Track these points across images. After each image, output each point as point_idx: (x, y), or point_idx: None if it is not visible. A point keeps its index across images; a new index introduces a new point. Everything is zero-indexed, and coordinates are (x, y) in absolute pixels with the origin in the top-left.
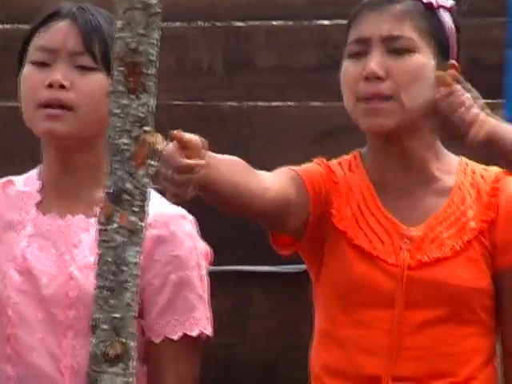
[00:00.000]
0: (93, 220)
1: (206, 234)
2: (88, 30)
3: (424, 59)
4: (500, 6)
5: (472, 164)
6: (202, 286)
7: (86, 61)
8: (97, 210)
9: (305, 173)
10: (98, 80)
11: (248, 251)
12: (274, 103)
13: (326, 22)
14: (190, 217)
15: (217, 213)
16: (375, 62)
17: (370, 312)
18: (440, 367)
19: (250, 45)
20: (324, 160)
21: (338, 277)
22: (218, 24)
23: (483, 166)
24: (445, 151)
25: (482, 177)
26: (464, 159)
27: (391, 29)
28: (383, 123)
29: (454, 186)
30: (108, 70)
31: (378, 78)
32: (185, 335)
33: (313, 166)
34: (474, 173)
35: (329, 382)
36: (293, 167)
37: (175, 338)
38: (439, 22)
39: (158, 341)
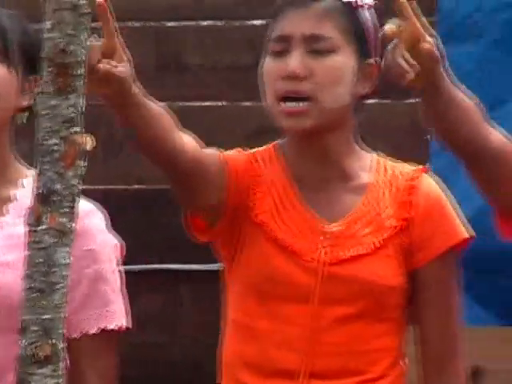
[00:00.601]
0: (3, 218)
1: (134, 232)
2: None
3: (344, 59)
4: (428, 6)
5: (387, 161)
6: (116, 280)
7: None
8: (6, 208)
9: (230, 159)
10: None
11: (177, 249)
12: (205, 103)
13: (255, 22)
14: (100, 212)
15: (148, 212)
16: (296, 61)
17: (286, 306)
18: (354, 364)
19: (180, 45)
20: (247, 150)
21: (255, 269)
22: (149, 24)
23: (400, 164)
24: (362, 151)
25: (399, 174)
26: (378, 156)
27: (313, 28)
28: (302, 124)
29: (370, 183)
30: (8, 63)
31: (298, 78)
32: (102, 329)
33: (237, 155)
34: (389, 169)
35: (243, 374)
36: (220, 151)
37: (92, 332)
38: (359, 21)
39: (76, 336)
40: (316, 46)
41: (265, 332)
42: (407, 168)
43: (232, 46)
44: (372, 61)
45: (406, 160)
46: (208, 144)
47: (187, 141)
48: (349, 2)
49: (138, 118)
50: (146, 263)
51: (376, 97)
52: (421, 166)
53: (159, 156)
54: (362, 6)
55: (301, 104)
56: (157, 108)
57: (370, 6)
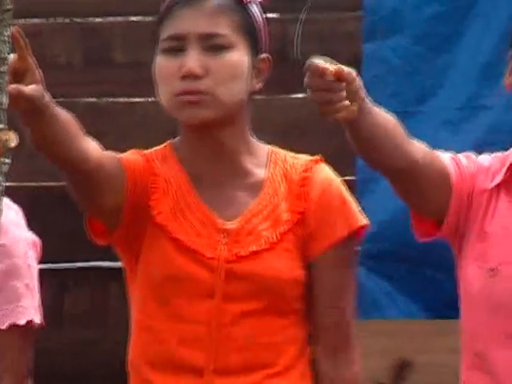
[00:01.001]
0: None
1: (62, 229)
2: None
3: (240, 55)
4: (353, 1)
5: (282, 153)
6: (29, 275)
7: None
8: None
9: (126, 161)
10: None
11: (104, 246)
12: (131, 99)
13: None
14: (15, 206)
15: (74, 210)
16: (193, 60)
17: (189, 304)
18: (260, 358)
19: (107, 41)
20: (142, 151)
21: (156, 269)
22: (76, 20)
23: (293, 155)
24: (256, 143)
25: (293, 166)
26: (273, 149)
27: (208, 26)
28: (200, 114)
29: (266, 178)
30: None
31: (196, 77)
32: (13, 324)
33: (133, 156)
34: (284, 162)
35: (151, 375)
36: (116, 153)
37: (3, 327)
38: (250, 17)
39: None
40: (211, 44)
41: (169, 331)
42: (302, 159)
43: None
44: (264, 56)
45: (332, 156)
46: (134, 139)
47: (91, 147)
48: None
49: (48, 131)
50: (75, 260)
51: (302, 91)
52: (314, 157)
53: (65, 162)
54: (251, 2)
55: (200, 96)
56: (65, 116)
57: (258, 2)
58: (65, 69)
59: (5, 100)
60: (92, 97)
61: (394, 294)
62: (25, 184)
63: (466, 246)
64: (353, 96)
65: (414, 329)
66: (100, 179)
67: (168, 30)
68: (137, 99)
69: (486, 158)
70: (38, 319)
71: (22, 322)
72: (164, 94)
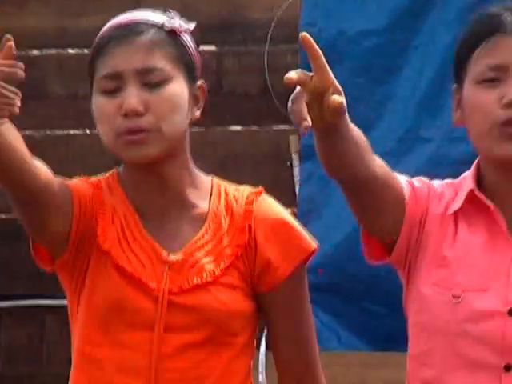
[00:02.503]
0: None
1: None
2: None
3: (178, 87)
4: (289, 34)
5: (225, 185)
6: None
7: None
8: None
9: (74, 187)
10: None
11: (41, 280)
12: (70, 131)
13: None
14: None
15: (8, 243)
16: (133, 97)
17: (130, 333)
18: None
19: (43, 73)
20: (89, 179)
21: (99, 296)
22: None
23: (235, 186)
24: (199, 175)
25: (235, 198)
26: (216, 181)
27: (143, 61)
28: (145, 152)
29: (209, 211)
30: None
31: (137, 114)
32: None
33: (81, 183)
34: (227, 194)
35: None
36: (64, 179)
37: None
38: (183, 47)
39: None
40: (149, 79)
41: (108, 359)
42: (244, 191)
43: None
44: (199, 83)
45: (271, 188)
46: (71, 172)
47: (39, 166)
48: (171, 29)
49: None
50: (12, 296)
51: (239, 124)
52: (256, 189)
53: (13, 180)
54: (183, 32)
55: (144, 134)
56: (15, 137)
57: (189, 31)
58: None
59: None
60: (29, 129)
61: (335, 327)
62: None
63: (418, 272)
64: (327, 112)
65: (358, 361)
66: (48, 200)
67: (104, 69)
68: (73, 131)
69: (437, 184)
70: None
71: None
72: (106, 133)
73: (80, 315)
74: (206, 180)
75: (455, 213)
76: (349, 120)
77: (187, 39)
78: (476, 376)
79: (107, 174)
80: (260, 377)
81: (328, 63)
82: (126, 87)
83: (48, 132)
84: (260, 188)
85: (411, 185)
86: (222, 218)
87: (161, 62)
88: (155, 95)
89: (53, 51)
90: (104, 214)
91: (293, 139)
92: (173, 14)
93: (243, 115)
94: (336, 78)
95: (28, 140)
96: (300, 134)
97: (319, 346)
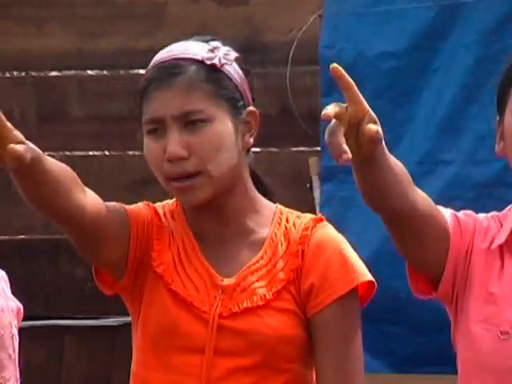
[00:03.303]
0: None
1: (16, 283)
2: None
3: (220, 125)
4: (309, 56)
5: (287, 212)
6: (12, 346)
7: None
8: None
9: (132, 212)
10: None
11: (61, 301)
12: (89, 152)
13: (137, 71)
14: (2, 273)
15: (30, 262)
16: (174, 143)
17: (181, 357)
18: None
19: (62, 94)
20: (150, 203)
21: (153, 319)
22: (31, 74)
23: (297, 214)
24: (263, 202)
25: (294, 225)
26: (280, 208)
27: (181, 106)
28: (197, 197)
29: (267, 237)
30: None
31: (181, 158)
32: None
33: (140, 208)
34: (287, 221)
35: None
36: (123, 205)
37: None
38: (226, 79)
39: None
40: (189, 120)
41: (160, 382)
42: (304, 218)
43: (114, 95)
44: (249, 109)
45: (295, 209)
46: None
47: (88, 199)
48: (213, 64)
49: (39, 187)
50: (30, 315)
51: (258, 146)
52: (316, 216)
53: (58, 216)
54: (224, 64)
55: (193, 180)
56: (58, 169)
57: (232, 61)
58: (19, 123)
59: None
60: (48, 150)
61: None
62: None
63: (466, 308)
64: (363, 140)
65: (373, 382)
66: (97, 232)
67: (147, 113)
68: (93, 152)
69: (483, 217)
70: None
71: None
72: (159, 176)
73: (136, 338)
74: (269, 207)
75: (500, 246)
76: (386, 149)
77: (230, 70)
78: None
79: (173, 200)
80: None
81: None
82: (168, 131)
83: (67, 153)
84: (320, 216)
85: (456, 218)
86: (279, 244)
87: (201, 103)
88: (197, 137)
89: (72, 72)
90: (161, 239)
91: (312, 161)
92: (214, 44)
93: (263, 137)
94: None
95: None
96: (320, 156)
97: None
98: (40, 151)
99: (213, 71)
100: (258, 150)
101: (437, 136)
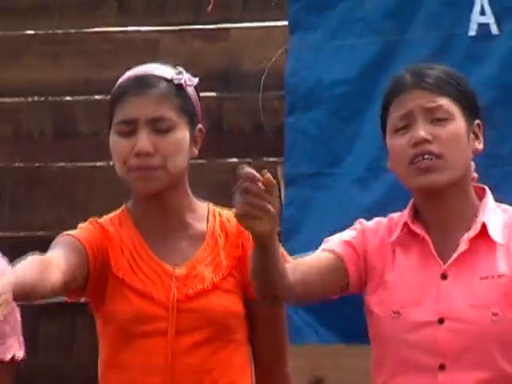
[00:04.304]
0: None
1: None
2: None
3: (182, 133)
4: (277, 82)
5: (218, 209)
6: (14, 317)
7: None
8: None
9: (83, 237)
10: None
11: None
12: (95, 163)
13: None
14: (1, 258)
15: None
16: (144, 140)
17: (148, 340)
18: (209, 379)
19: (72, 115)
20: (97, 220)
21: (120, 314)
22: (48, 99)
23: (226, 211)
24: (196, 201)
25: (228, 220)
26: (211, 206)
27: (154, 112)
28: (154, 185)
29: (207, 230)
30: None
31: (147, 154)
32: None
33: (87, 228)
34: (220, 217)
35: None
36: (72, 232)
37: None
38: (188, 98)
39: None
40: (158, 126)
41: (132, 364)
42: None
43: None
44: (199, 126)
45: None
46: (97, 195)
47: (56, 273)
48: (179, 84)
49: (31, 296)
50: None
51: (235, 157)
52: None
53: (44, 296)
54: (188, 86)
55: (155, 172)
56: (35, 275)
57: (193, 85)
58: (38, 139)
59: None
60: (62, 161)
61: (314, 324)
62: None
63: (370, 296)
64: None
65: (329, 351)
66: (71, 284)
67: (121, 115)
68: (99, 163)
69: (372, 223)
70: (21, 355)
71: (8, 357)
72: (119, 167)
73: (104, 330)
74: (202, 205)
75: (393, 243)
76: (277, 242)
77: (191, 92)
78: (418, 377)
79: (118, 210)
80: None
81: (308, 106)
82: (139, 131)
83: (78, 164)
84: None
85: (345, 242)
86: (218, 236)
87: (169, 112)
88: (163, 140)
89: (81, 97)
90: (113, 249)
91: (280, 169)
92: (180, 69)
93: (239, 149)
94: (314, 118)
95: (61, 170)
96: (284, 165)
97: (301, 340)
98: (20, 278)
99: (179, 89)
100: (235, 160)
101: (380, 147)
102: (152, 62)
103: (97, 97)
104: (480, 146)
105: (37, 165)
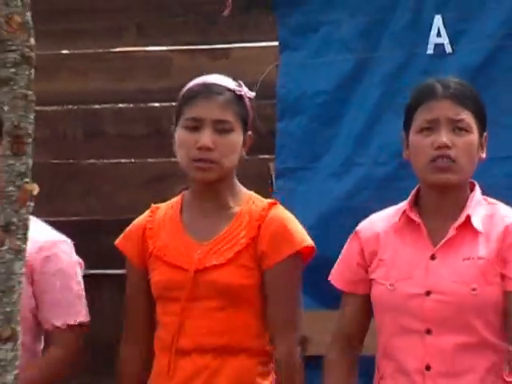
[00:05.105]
0: None
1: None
2: None
3: (237, 136)
4: (269, 92)
5: (256, 196)
6: (79, 288)
7: None
8: None
9: (129, 253)
10: None
11: (99, 259)
12: (120, 160)
13: (152, 104)
14: (68, 240)
15: (88, 237)
16: (207, 137)
17: (172, 304)
18: (220, 341)
19: (101, 120)
20: (152, 208)
21: (156, 281)
22: (80, 107)
23: (261, 199)
24: (242, 189)
25: (257, 206)
26: (253, 194)
27: (218, 114)
28: (208, 177)
29: (237, 212)
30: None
31: (208, 149)
32: (67, 324)
33: (128, 242)
34: (253, 203)
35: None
36: (120, 246)
37: (59, 325)
38: (244, 107)
39: (48, 328)
40: (220, 127)
41: (165, 324)
42: (264, 202)
43: (138, 121)
44: (249, 133)
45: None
46: (122, 187)
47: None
48: (240, 94)
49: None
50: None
51: None
52: (272, 200)
53: None
54: (247, 97)
55: (208, 164)
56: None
57: (250, 97)
58: (71, 142)
59: (30, 162)
60: (91, 159)
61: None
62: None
63: (372, 272)
64: None
65: (314, 316)
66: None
67: (191, 113)
68: (123, 160)
69: (368, 220)
70: (86, 320)
71: (73, 322)
72: (183, 157)
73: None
74: (246, 192)
75: (392, 226)
76: None
77: (248, 102)
78: (409, 338)
79: (180, 195)
80: None
81: (295, 113)
82: (204, 129)
83: (105, 161)
84: (275, 200)
85: (350, 263)
86: (244, 219)
87: (230, 117)
88: (222, 139)
89: (107, 106)
90: (152, 234)
91: (272, 165)
92: (240, 82)
93: None
94: (299, 123)
95: (91, 166)
96: (275, 161)
97: None
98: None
99: (239, 99)
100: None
101: (353, 146)
102: (165, 76)
103: (120, 105)
104: (483, 155)
105: (70, 162)
